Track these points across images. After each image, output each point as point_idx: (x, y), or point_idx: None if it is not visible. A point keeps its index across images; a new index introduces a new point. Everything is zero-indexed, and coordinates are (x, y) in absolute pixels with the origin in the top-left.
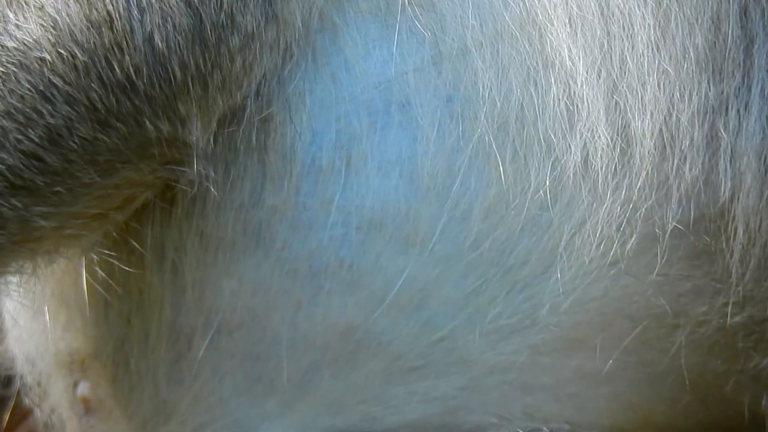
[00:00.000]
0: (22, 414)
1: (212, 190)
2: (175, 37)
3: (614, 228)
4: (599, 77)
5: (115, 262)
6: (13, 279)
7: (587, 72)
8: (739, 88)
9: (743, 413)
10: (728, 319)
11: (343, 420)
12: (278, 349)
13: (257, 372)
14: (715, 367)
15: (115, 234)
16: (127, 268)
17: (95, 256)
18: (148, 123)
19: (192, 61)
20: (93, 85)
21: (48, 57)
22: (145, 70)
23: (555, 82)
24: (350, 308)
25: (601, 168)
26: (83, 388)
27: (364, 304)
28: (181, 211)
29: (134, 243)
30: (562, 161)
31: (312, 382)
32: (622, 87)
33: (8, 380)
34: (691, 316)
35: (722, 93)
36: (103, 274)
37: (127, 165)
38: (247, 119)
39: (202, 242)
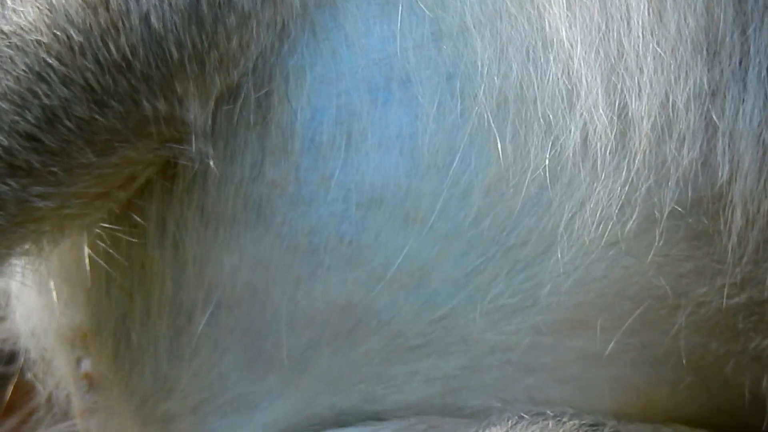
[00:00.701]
0: (25, 391)
1: (212, 165)
2: (172, 16)
3: (614, 208)
4: (597, 58)
5: (118, 237)
6: (18, 260)
7: (585, 53)
8: (735, 72)
9: (744, 395)
10: (728, 300)
11: (343, 399)
12: (278, 325)
13: (257, 348)
14: (715, 348)
15: (116, 209)
16: (129, 242)
17: (98, 231)
18: (145, 102)
19: (189, 41)
20: (89, 65)
21: (44, 39)
22: (141, 49)
23: (554, 61)
24: (350, 285)
25: (601, 148)
26: (86, 364)
27: (364, 280)
28: (182, 187)
29: (136, 218)
30: (562, 141)
31: (312, 358)
32: (620, 69)
33: (11, 357)
34: (692, 297)
35: (719, 76)
36: (105, 249)
37: (125, 144)
38: (247, 95)
39: (203, 217)
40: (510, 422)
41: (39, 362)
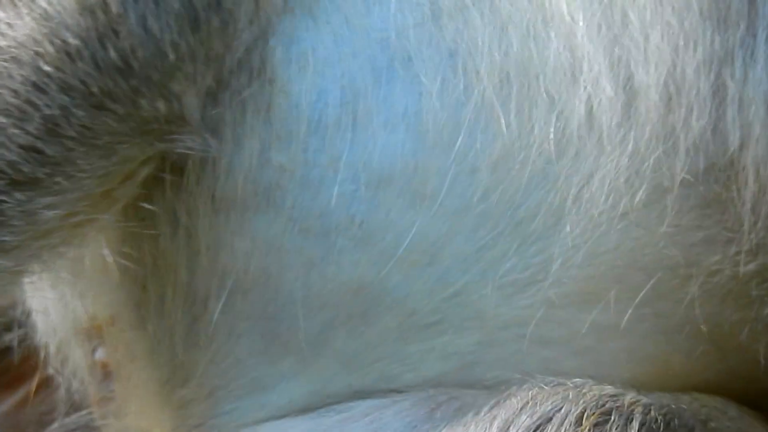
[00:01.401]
0: (44, 381)
1: (221, 153)
2: (167, 18)
3: (622, 180)
4: (599, 31)
5: (130, 229)
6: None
7: (587, 26)
8: (744, 37)
9: (759, 361)
10: (741, 267)
11: (359, 378)
12: (292, 308)
13: (272, 332)
14: (729, 315)
15: (128, 202)
16: (141, 234)
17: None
18: (144, 102)
19: (183, 41)
20: (88, 69)
21: (40, 49)
22: (140, 51)
23: (555, 36)
24: (362, 265)
25: (606, 121)
26: (101, 354)
27: (376, 260)
28: (191, 176)
29: (147, 210)
30: (566, 115)
31: (327, 340)
32: (625, 40)
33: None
34: (704, 266)
35: (727, 42)
36: (117, 242)
37: (126, 144)
38: (250, 83)
39: (214, 204)
40: (530, 393)
41: (56, 354)
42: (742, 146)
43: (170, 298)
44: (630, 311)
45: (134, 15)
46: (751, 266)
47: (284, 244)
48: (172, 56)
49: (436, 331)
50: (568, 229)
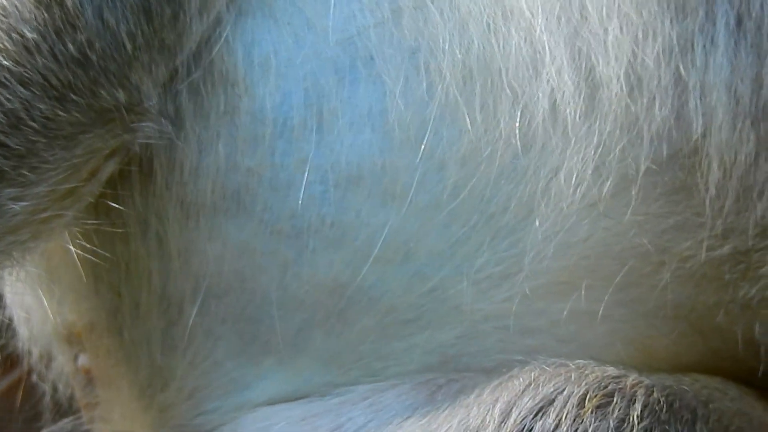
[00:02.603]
0: (30, 389)
1: (188, 157)
2: (123, 10)
3: (589, 171)
4: (559, 24)
5: (103, 235)
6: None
7: (547, 20)
8: (703, 24)
9: (738, 342)
10: (712, 252)
11: (341, 376)
12: (269, 310)
13: (250, 333)
14: (705, 299)
15: (98, 207)
16: (114, 240)
17: (82, 230)
18: (104, 93)
19: (139, 31)
20: (47, 62)
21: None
22: (97, 43)
23: (516, 31)
24: (337, 265)
25: (570, 113)
26: (83, 360)
27: (350, 260)
28: (160, 181)
29: (118, 215)
30: (531, 109)
31: (306, 340)
32: (584, 32)
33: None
34: (676, 252)
35: (686, 30)
36: (91, 248)
37: (89, 135)
38: (213, 86)
39: (184, 209)
40: (532, 375)
41: (40, 361)
42: (705, 133)
43: (145, 304)
44: (606, 298)
45: (91, 8)
46: (723, 250)
47: (257, 246)
48: (129, 47)
49: (416, 327)
50: (538, 221)
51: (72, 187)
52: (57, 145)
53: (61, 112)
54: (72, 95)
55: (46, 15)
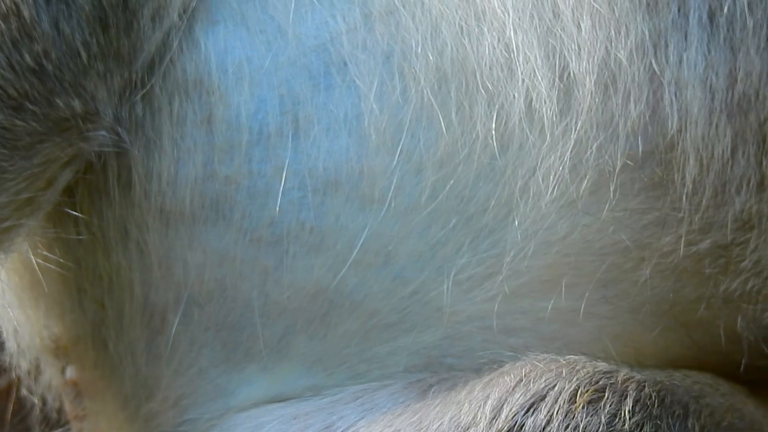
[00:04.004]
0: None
1: (166, 167)
2: (78, 20)
3: (567, 169)
4: (532, 22)
5: (83, 247)
6: None
7: (519, 18)
8: (675, 20)
9: (721, 335)
10: (692, 246)
11: (326, 379)
12: (251, 317)
13: (233, 341)
14: (686, 294)
15: (77, 221)
16: (95, 252)
17: (59, 244)
18: (60, 102)
19: (94, 40)
20: (4, 72)
21: None
22: (53, 53)
23: (488, 31)
24: (317, 270)
25: (546, 112)
26: (71, 372)
27: (330, 264)
28: (139, 191)
29: (96, 226)
30: (507, 109)
31: (289, 345)
32: (557, 30)
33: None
34: (655, 247)
35: (659, 26)
36: (74, 260)
37: (47, 143)
38: (186, 96)
39: (163, 219)
40: (524, 370)
41: (29, 374)
42: (681, 128)
43: (128, 315)
44: (588, 295)
45: (47, 18)
46: (703, 245)
47: (237, 254)
48: (84, 55)
49: (399, 330)
50: (518, 221)
51: (30, 196)
52: (16, 155)
53: (18, 122)
54: (29, 105)
55: (3, 26)
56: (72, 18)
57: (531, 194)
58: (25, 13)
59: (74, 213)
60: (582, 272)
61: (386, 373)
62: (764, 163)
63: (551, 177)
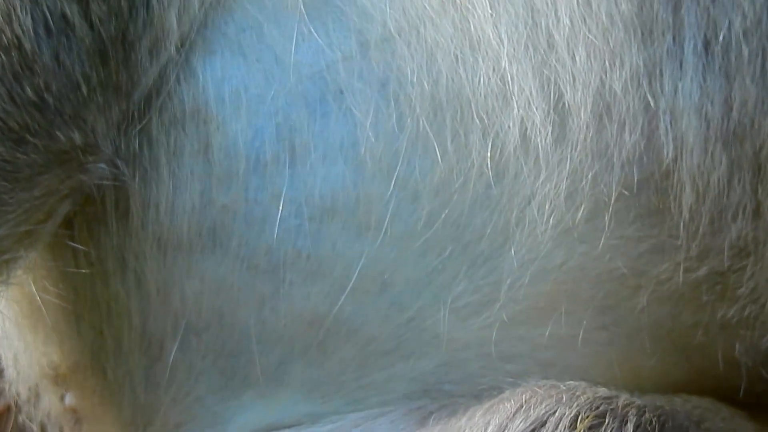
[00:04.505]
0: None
1: (164, 196)
2: (78, 52)
3: (563, 198)
4: (527, 53)
5: (81, 276)
6: None
7: (514, 49)
8: (670, 49)
9: (719, 361)
10: (690, 274)
11: (323, 405)
12: (248, 344)
13: (231, 368)
14: (684, 320)
15: (76, 252)
16: (93, 281)
17: (57, 274)
18: (60, 134)
19: (94, 73)
20: (5, 105)
21: None
22: (54, 85)
23: (483, 61)
24: (314, 298)
25: (541, 141)
26: (70, 399)
27: (327, 292)
28: (136, 221)
29: (95, 256)
30: (502, 138)
31: (286, 373)
32: (551, 60)
33: None
34: (652, 274)
35: (654, 56)
36: (72, 289)
37: (47, 175)
38: (184, 123)
39: (160, 247)
40: (524, 396)
41: (28, 401)
42: (676, 157)
43: (126, 342)
44: (585, 322)
45: (48, 50)
46: (700, 272)
47: (234, 282)
48: (84, 88)
49: (396, 357)
50: (514, 249)
51: (29, 229)
52: (17, 188)
53: (19, 155)
54: (30, 137)
55: (4, 58)
56: (72, 50)
57: (527, 222)
58: (27, 46)
59: (73, 244)
60: (579, 299)
61: (384, 399)
62: (760, 190)
63: (547, 205)
